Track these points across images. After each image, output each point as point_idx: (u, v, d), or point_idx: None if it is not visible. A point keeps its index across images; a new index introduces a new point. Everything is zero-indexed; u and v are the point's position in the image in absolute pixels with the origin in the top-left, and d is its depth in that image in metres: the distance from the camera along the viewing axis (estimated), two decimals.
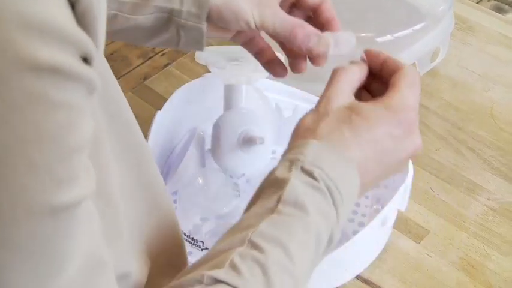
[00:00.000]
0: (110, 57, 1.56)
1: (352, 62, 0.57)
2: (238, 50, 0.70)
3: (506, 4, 1.29)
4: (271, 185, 0.50)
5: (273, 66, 0.68)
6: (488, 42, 1.07)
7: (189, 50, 0.67)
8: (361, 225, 0.81)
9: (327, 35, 0.63)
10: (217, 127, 0.80)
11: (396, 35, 0.94)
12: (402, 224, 0.83)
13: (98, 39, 0.36)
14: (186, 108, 0.87)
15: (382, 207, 0.75)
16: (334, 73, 0.56)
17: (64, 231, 0.36)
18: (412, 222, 0.83)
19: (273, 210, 0.47)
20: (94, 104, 0.41)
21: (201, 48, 0.65)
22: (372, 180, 0.53)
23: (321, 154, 0.50)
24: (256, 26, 0.62)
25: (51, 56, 0.33)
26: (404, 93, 0.54)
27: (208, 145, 0.84)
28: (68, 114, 0.35)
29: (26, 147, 0.33)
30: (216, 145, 0.79)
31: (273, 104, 0.88)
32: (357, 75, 0.56)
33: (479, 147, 0.92)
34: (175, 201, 0.82)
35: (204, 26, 0.63)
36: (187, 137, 0.89)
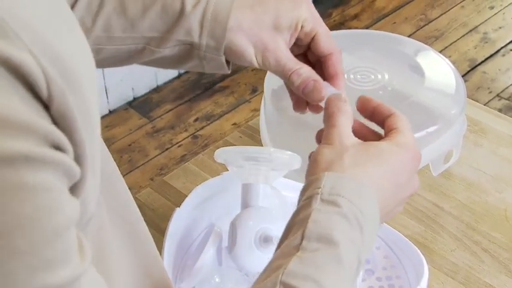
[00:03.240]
0: (127, 148, 1.60)
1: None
2: (256, 150, 0.72)
3: None
4: (295, 224, 0.54)
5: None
6: (499, 145, 1.09)
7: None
8: None
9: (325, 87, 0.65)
10: (234, 226, 0.81)
11: None
12: None
13: (74, 137, 0.38)
14: (204, 206, 0.89)
15: None
16: (334, 113, 0.60)
17: None
18: None
19: (298, 248, 0.50)
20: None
21: (226, 72, 0.71)
22: (388, 212, 0.57)
23: (340, 183, 0.54)
24: (259, 66, 0.68)
25: (18, 146, 0.34)
26: (407, 133, 0.60)
27: (225, 242, 0.85)
28: (45, 198, 0.36)
29: (9, 234, 0.34)
30: (233, 244, 0.80)
31: (289, 202, 0.89)
32: (351, 118, 0.61)
33: (494, 249, 0.92)
34: None
35: (223, 58, 0.68)
36: (204, 234, 0.89)
